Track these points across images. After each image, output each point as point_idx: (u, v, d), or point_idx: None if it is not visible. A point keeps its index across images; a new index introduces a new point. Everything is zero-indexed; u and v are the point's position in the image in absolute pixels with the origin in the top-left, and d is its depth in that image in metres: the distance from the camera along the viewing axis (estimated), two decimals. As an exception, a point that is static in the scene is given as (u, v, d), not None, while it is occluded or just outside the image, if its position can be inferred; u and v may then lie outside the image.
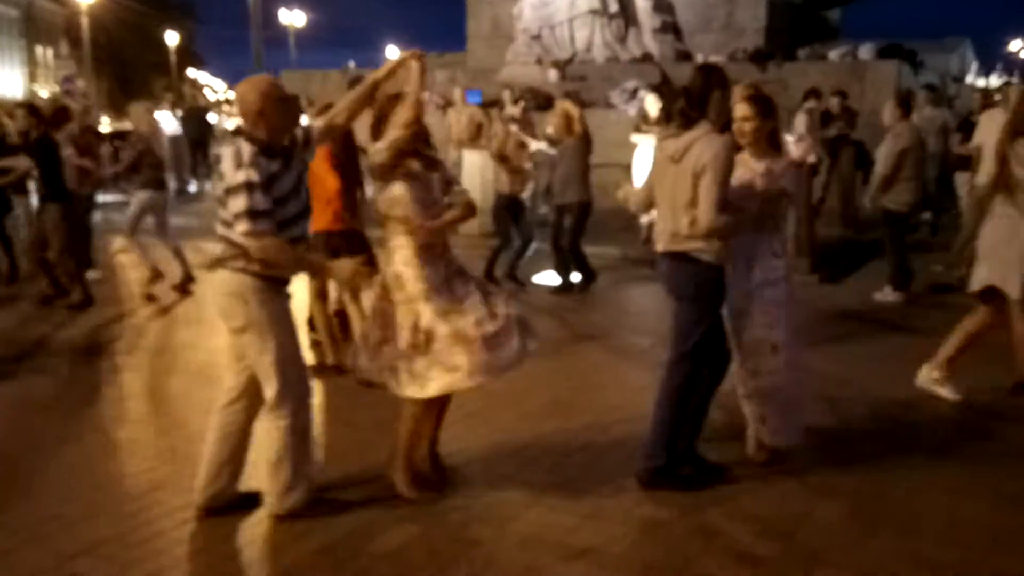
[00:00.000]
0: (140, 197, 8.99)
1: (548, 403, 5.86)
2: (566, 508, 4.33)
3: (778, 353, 4.69)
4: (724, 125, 4.53)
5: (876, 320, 8.16)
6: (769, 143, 4.71)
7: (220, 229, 4.00)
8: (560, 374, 6.55)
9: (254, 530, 4.12)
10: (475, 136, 12.75)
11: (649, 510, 4.32)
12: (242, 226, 3.84)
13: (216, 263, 4.05)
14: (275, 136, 4.00)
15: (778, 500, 4.45)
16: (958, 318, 8.16)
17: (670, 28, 18.67)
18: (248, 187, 3.83)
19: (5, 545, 3.96)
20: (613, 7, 18.50)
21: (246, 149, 3.90)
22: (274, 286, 4.07)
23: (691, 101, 4.45)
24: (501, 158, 9.55)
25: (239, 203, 3.83)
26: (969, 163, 9.55)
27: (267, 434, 4.11)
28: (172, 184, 17.09)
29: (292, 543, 4.01)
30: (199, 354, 6.96)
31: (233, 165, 3.86)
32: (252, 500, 4.26)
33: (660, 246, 4.58)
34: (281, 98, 4.05)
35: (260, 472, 4.22)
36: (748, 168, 4.67)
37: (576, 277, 9.30)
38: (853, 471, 4.79)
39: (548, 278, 9.52)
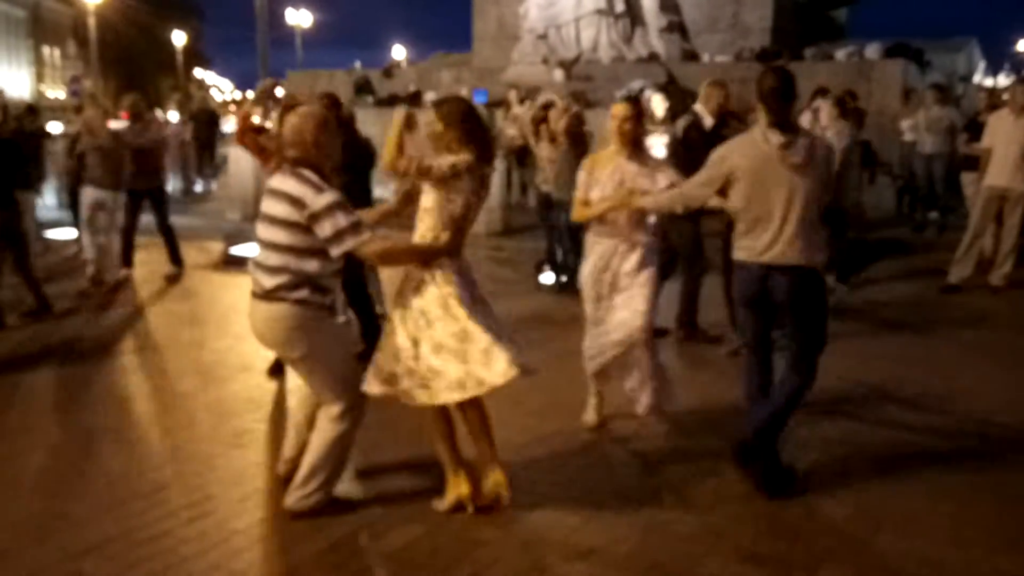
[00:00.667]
0: (86, 193, 9.30)
1: (550, 403, 5.85)
2: (570, 508, 4.34)
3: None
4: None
5: (880, 320, 8.15)
6: (636, 146, 5.14)
7: (277, 259, 3.98)
8: (562, 374, 6.53)
9: (258, 529, 4.14)
10: None
11: (653, 510, 4.32)
12: (350, 242, 3.89)
13: (271, 295, 4.01)
14: (323, 165, 4.08)
15: (782, 500, 4.45)
16: (962, 318, 8.19)
17: (676, 28, 18.66)
18: (339, 205, 3.90)
19: (10, 544, 3.97)
20: (619, 7, 18.51)
21: (311, 174, 3.96)
22: (329, 313, 4.16)
23: (789, 103, 4.43)
24: (537, 136, 9.50)
25: (337, 222, 3.87)
26: (976, 163, 9.55)
27: (320, 436, 4.17)
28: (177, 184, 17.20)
29: (296, 542, 4.03)
30: (205, 354, 6.97)
31: (312, 191, 3.89)
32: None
33: (789, 259, 4.38)
34: (332, 130, 4.14)
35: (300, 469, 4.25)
36: (619, 168, 5.08)
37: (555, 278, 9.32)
38: (857, 471, 4.79)
39: (551, 277, 9.51)
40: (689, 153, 6.34)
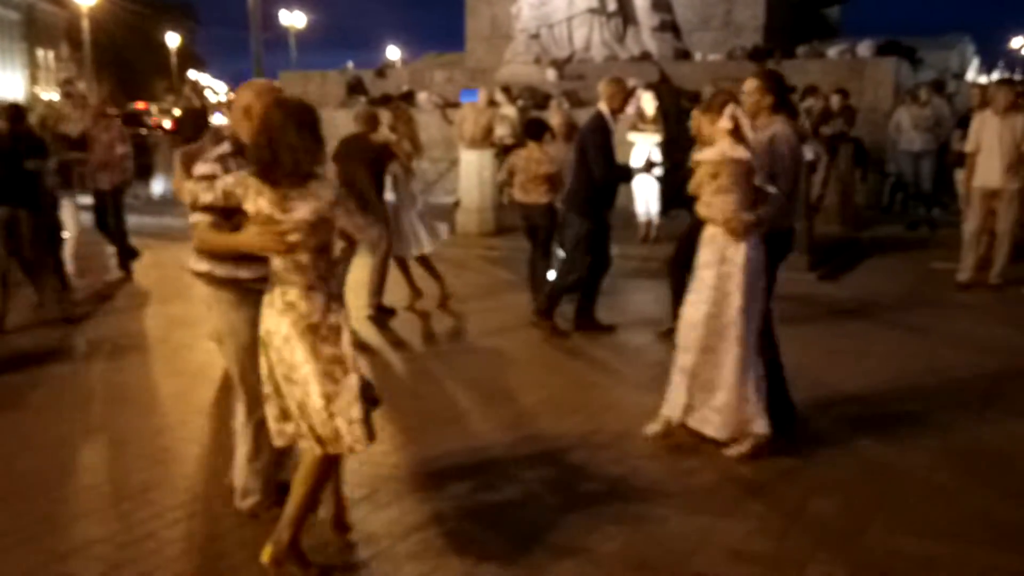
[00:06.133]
0: None
1: (542, 401, 5.85)
2: (559, 506, 4.32)
3: None
4: None
5: (874, 317, 8.14)
6: None
7: None
8: (555, 372, 6.55)
9: (244, 530, 4.09)
10: (486, 137, 12.77)
11: (642, 508, 4.31)
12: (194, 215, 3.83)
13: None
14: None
15: (771, 498, 4.44)
16: (957, 315, 8.19)
17: (669, 26, 18.65)
18: (204, 177, 3.80)
19: (-4, 546, 3.96)
20: (611, 6, 18.48)
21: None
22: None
23: None
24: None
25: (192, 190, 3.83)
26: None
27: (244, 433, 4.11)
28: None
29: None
30: (195, 355, 6.94)
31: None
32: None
33: None
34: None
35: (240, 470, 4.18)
36: None
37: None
38: (847, 468, 4.78)
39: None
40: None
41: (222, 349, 4.05)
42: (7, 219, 7.81)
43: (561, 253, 8.63)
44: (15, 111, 8.49)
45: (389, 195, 8.02)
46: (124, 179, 10.24)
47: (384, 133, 8.25)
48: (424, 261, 8.39)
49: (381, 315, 7.89)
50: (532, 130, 8.60)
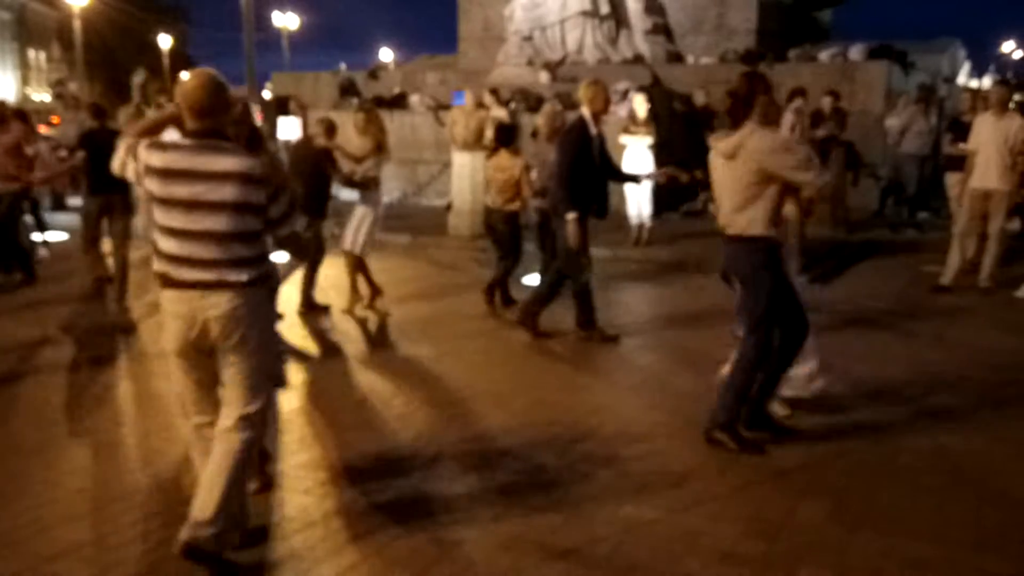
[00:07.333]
0: None
1: (534, 403, 5.84)
2: (549, 508, 4.31)
3: None
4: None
5: (864, 320, 8.15)
6: None
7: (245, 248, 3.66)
8: (547, 374, 6.54)
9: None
10: (478, 140, 12.77)
11: (632, 510, 4.30)
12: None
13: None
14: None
15: (762, 500, 4.44)
16: (946, 318, 8.21)
17: (661, 30, 18.68)
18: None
19: (-17, 548, 3.93)
20: (604, 9, 18.51)
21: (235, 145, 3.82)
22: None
23: (737, 104, 4.92)
24: None
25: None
26: (960, 163, 9.58)
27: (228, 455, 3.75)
28: None
29: (271, 544, 4.00)
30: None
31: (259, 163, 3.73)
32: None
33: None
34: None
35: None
36: None
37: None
38: (837, 470, 4.79)
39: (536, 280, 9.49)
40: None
41: (256, 358, 3.75)
42: (103, 207, 8.54)
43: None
44: (99, 108, 8.76)
45: (350, 193, 8.02)
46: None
47: (344, 138, 8.33)
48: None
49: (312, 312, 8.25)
50: (502, 137, 8.58)
